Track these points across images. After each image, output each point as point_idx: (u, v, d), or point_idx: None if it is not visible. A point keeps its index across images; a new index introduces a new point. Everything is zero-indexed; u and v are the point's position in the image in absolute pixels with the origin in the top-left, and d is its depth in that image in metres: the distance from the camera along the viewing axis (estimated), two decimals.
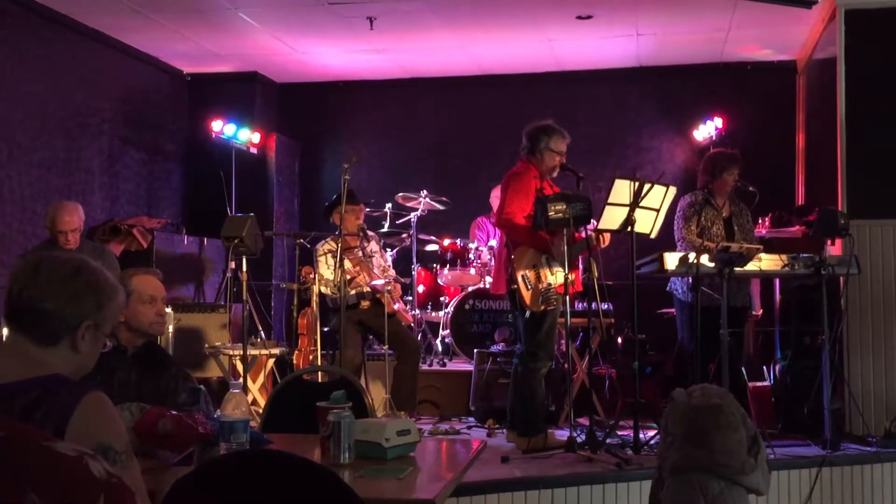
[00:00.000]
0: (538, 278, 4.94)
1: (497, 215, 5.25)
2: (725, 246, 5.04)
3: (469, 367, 6.55)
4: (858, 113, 5.88)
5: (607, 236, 5.14)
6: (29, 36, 6.73)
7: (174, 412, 2.51)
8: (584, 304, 6.15)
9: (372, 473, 2.38)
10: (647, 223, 5.11)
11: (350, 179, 5.58)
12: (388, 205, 7.46)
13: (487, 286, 6.89)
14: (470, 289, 7.20)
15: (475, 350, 6.48)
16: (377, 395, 6.11)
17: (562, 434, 5.15)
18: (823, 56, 6.80)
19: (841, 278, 5.32)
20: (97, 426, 1.80)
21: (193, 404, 2.97)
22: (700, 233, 5.57)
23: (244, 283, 5.63)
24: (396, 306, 6.22)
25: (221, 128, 8.04)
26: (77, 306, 1.90)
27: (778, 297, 6.36)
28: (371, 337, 6.46)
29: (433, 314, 7.43)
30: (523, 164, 5.20)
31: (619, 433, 5.09)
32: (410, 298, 7.11)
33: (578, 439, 4.82)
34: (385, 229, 7.32)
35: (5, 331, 1.96)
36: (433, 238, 7.55)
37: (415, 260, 7.33)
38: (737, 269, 4.98)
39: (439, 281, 7.41)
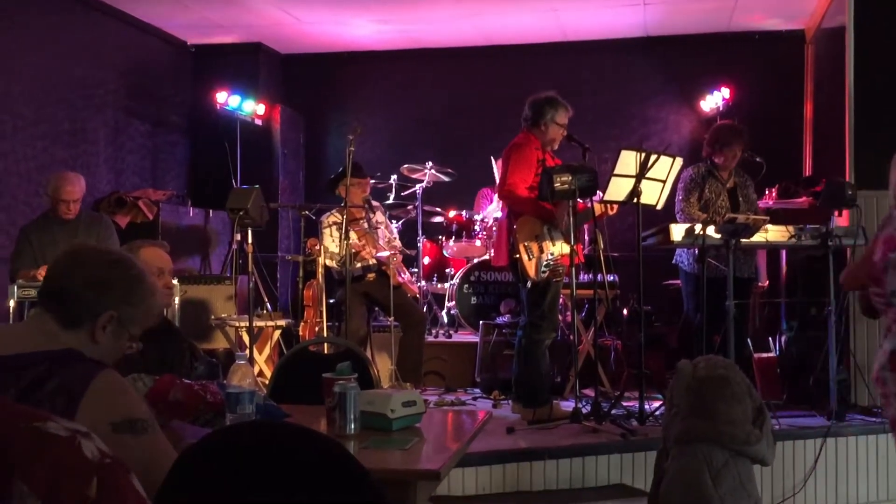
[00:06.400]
0: (540, 249, 4.94)
1: (499, 187, 5.24)
2: (732, 217, 5.02)
3: (474, 338, 6.57)
4: (867, 83, 5.82)
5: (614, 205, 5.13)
6: (32, 7, 6.68)
7: (185, 381, 2.52)
8: (590, 276, 6.15)
9: (377, 444, 2.39)
10: (654, 194, 5.10)
11: (355, 151, 5.56)
12: (394, 176, 7.43)
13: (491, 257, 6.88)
14: (475, 260, 7.19)
15: (480, 322, 6.49)
16: (383, 366, 6.13)
17: (567, 405, 5.16)
18: (832, 25, 6.73)
19: (848, 249, 5.30)
20: (119, 401, 1.83)
21: (212, 378, 2.98)
22: (705, 205, 5.56)
23: (250, 254, 5.64)
24: (402, 278, 6.22)
25: (226, 99, 8.00)
26: (102, 294, 1.92)
27: (784, 268, 6.34)
28: (377, 309, 6.47)
29: (439, 286, 7.44)
30: (524, 135, 5.18)
31: (625, 404, 5.10)
32: (416, 270, 7.11)
33: (584, 410, 4.84)
34: (390, 201, 7.31)
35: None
36: (438, 210, 7.54)
37: (420, 232, 7.32)
38: (743, 240, 4.97)
39: (445, 253, 7.40)
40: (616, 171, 4.96)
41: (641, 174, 4.95)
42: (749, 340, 5.65)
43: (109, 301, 1.93)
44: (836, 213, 5.66)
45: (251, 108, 8.27)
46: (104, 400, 1.80)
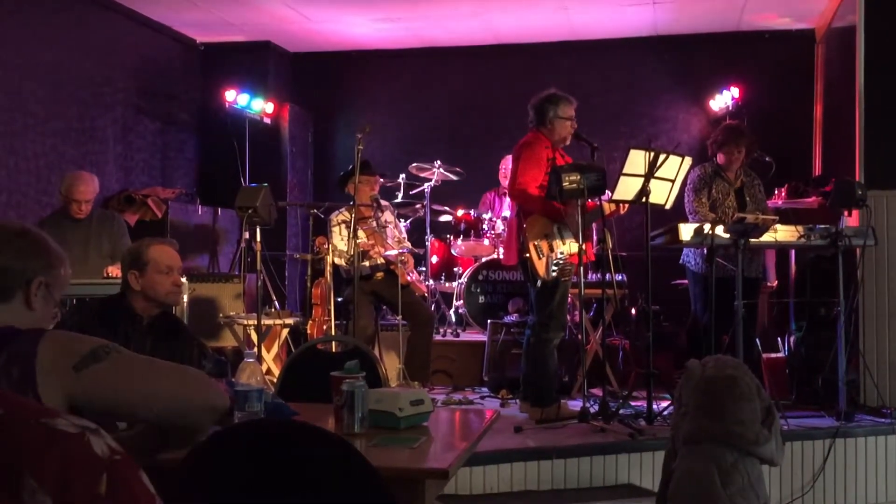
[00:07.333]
0: (550, 248, 4.94)
1: (509, 186, 5.23)
2: (741, 216, 5.01)
3: (482, 337, 6.56)
4: (877, 82, 5.80)
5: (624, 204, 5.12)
6: (42, 5, 6.70)
7: None
8: (598, 275, 6.14)
9: (385, 443, 2.39)
10: (663, 194, 5.09)
11: (363, 150, 5.56)
12: (402, 175, 7.43)
13: (501, 257, 6.87)
14: (483, 259, 7.19)
15: (488, 320, 6.48)
16: (391, 365, 6.13)
17: (575, 404, 5.16)
18: (842, 25, 6.71)
19: (857, 249, 5.29)
20: (72, 346, 1.86)
21: (221, 376, 2.99)
22: (712, 205, 5.55)
23: (258, 253, 5.64)
24: (410, 277, 6.22)
25: (235, 98, 8.01)
26: (27, 262, 1.95)
27: (793, 268, 6.32)
28: (385, 307, 6.47)
29: (447, 285, 7.43)
30: (534, 134, 5.17)
31: (633, 404, 5.10)
32: (424, 269, 7.11)
33: (591, 410, 4.83)
34: (398, 200, 7.31)
35: None
36: (447, 209, 7.53)
37: (428, 230, 7.32)
38: (753, 240, 4.96)
39: (453, 251, 7.40)
40: (625, 171, 4.94)
41: (650, 173, 4.94)
42: (758, 340, 5.63)
43: (35, 268, 1.96)
44: (846, 212, 5.64)
45: (260, 106, 8.29)
46: (58, 355, 1.83)
